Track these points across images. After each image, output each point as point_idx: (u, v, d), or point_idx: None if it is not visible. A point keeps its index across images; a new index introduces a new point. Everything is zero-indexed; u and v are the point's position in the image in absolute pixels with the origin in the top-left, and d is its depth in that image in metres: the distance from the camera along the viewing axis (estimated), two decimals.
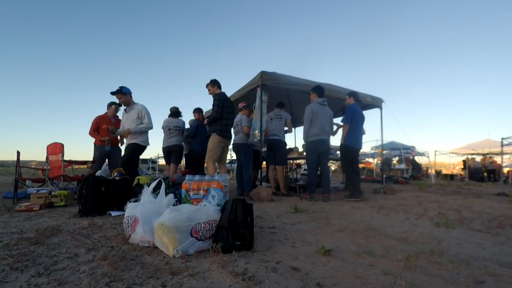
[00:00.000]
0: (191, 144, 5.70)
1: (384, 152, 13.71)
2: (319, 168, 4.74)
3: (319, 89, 4.76)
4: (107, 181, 3.36)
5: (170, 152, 5.54)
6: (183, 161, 6.92)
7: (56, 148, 4.79)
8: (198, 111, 5.96)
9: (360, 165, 17.02)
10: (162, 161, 16.31)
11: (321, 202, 4.21)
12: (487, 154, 14.38)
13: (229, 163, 15.92)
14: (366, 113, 6.99)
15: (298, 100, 7.15)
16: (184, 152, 5.94)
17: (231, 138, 4.74)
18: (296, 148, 6.23)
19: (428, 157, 12.72)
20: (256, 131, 4.80)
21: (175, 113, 5.66)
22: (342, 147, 4.79)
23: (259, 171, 5.16)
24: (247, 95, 5.56)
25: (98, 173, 4.91)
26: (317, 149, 4.53)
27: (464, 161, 14.40)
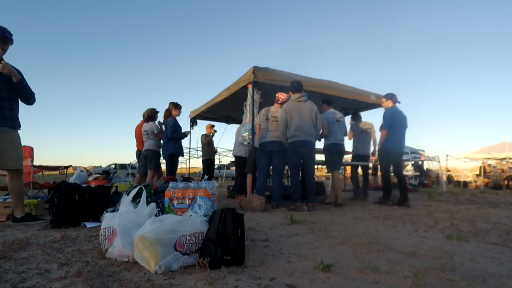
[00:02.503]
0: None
1: None
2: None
3: (292, 85, 4.68)
4: (82, 189, 3.34)
5: (145, 158, 5.74)
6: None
7: (24, 152, 4.73)
8: (174, 106, 5.72)
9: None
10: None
11: (318, 211, 4.20)
12: (505, 159, 14.55)
13: (217, 168, 16.24)
14: (369, 112, 7.23)
15: None
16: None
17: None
18: None
19: (439, 161, 12.77)
20: (246, 133, 4.79)
21: (147, 117, 5.72)
22: (380, 152, 5.15)
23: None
24: (237, 93, 5.55)
25: (72, 179, 4.88)
26: (296, 151, 4.50)
27: (484, 167, 14.50)
